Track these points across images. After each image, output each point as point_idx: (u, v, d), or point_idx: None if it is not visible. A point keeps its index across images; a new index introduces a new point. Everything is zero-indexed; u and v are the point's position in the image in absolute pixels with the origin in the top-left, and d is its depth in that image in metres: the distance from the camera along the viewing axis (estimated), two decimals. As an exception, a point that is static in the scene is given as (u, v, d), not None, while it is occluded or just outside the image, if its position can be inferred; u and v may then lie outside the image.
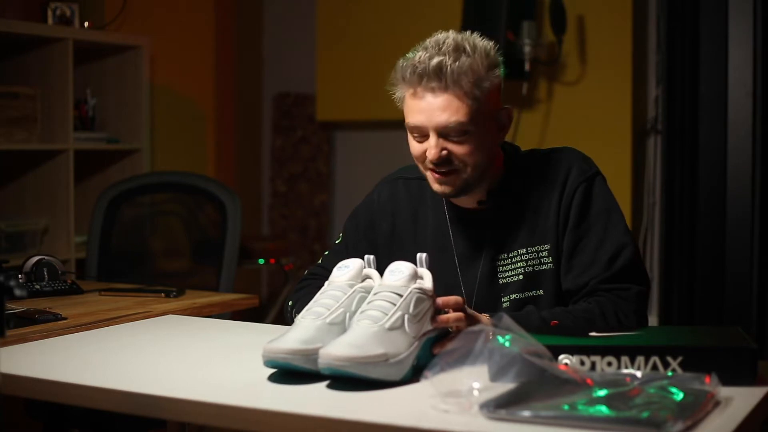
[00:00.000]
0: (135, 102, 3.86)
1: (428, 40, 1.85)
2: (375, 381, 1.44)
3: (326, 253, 2.12)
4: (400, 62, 1.86)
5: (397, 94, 1.88)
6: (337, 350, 1.44)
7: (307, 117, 4.74)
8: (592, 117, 3.90)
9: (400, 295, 1.54)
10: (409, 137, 1.89)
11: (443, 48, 1.81)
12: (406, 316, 1.52)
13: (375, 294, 1.57)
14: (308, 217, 4.76)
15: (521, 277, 1.91)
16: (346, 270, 1.65)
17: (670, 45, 3.67)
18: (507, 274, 1.92)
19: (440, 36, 1.85)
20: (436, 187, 1.89)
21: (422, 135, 1.85)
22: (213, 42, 4.56)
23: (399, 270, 1.59)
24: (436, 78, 1.79)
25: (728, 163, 3.54)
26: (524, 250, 1.91)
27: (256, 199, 4.85)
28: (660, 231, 3.79)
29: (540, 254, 1.90)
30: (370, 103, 4.31)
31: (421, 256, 1.63)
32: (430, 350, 1.56)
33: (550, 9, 3.83)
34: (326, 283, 1.65)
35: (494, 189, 1.95)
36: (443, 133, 1.82)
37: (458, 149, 1.83)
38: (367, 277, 1.66)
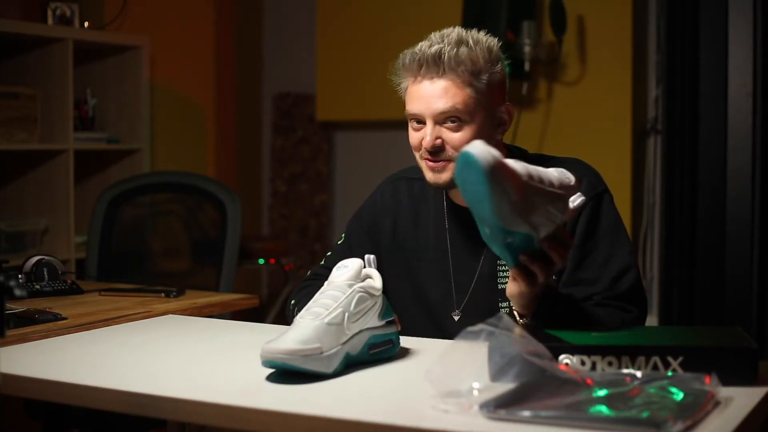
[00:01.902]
0: (135, 102, 3.86)
1: (433, 33, 1.89)
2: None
3: (329, 253, 2.12)
4: (403, 53, 1.89)
5: (401, 85, 1.91)
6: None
7: (307, 117, 4.74)
8: (592, 117, 3.90)
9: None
10: (409, 127, 1.92)
11: (445, 39, 1.85)
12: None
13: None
14: (308, 217, 4.76)
15: None
16: (345, 270, 1.65)
17: (670, 45, 3.67)
18: (507, 280, 1.92)
19: (446, 30, 1.89)
20: (429, 176, 1.90)
21: (420, 123, 1.88)
22: (213, 42, 4.56)
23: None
24: (434, 65, 1.83)
25: (728, 163, 3.54)
26: None
27: (256, 199, 4.85)
28: (660, 231, 3.79)
29: None
30: (370, 103, 4.31)
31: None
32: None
33: (550, 9, 3.83)
34: (326, 283, 1.66)
35: None
36: (439, 120, 1.85)
37: (453, 138, 1.85)
38: (368, 276, 1.66)
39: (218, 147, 4.63)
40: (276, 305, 4.06)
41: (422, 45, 1.86)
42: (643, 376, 1.38)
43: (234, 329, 1.99)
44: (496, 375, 1.42)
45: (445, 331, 1.92)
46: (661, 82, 3.77)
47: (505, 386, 1.37)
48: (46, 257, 2.50)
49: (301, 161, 4.77)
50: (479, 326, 1.42)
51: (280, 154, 4.83)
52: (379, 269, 1.68)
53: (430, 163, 1.88)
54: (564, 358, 1.47)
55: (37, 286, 2.40)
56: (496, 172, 1.46)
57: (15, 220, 3.55)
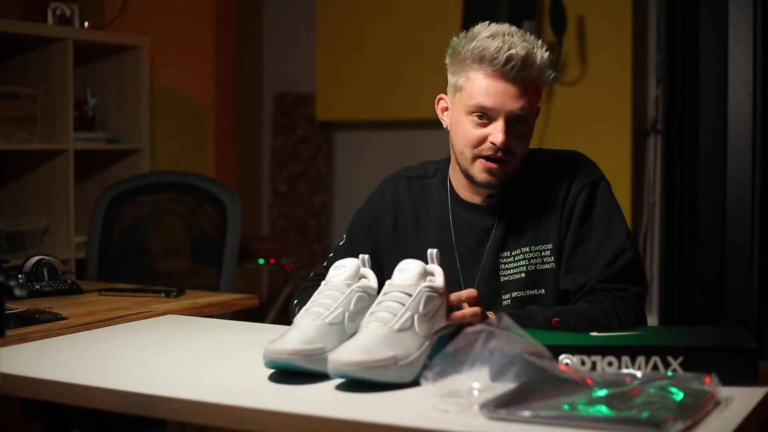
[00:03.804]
0: (135, 102, 3.86)
1: (491, 28, 1.87)
2: (386, 384, 1.43)
3: (331, 254, 2.12)
4: (468, 45, 1.86)
5: (455, 77, 1.88)
6: (345, 355, 1.42)
7: (307, 117, 4.74)
8: (592, 117, 3.90)
9: (410, 295, 1.51)
10: (464, 121, 1.87)
11: (523, 38, 1.84)
12: (416, 316, 1.49)
13: (384, 294, 1.54)
14: (308, 217, 4.76)
15: (523, 275, 1.91)
16: (343, 269, 1.64)
17: (670, 45, 3.67)
18: (509, 271, 1.93)
19: (502, 26, 1.87)
20: (483, 176, 1.88)
21: (486, 118, 1.85)
22: (213, 42, 4.56)
23: (408, 269, 1.55)
24: (522, 64, 1.81)
25: (728, 163, 3.54)
26: (527, 249, 1.92)
27: (256, 199, 4.85)
28: (660, 231, 3.79)
29: (543, 253, 1.91)
30: (370, 103, 4.31)
31: (432, 252, 1.60)
32: (444, 348, 1.51)
33: (550, 9, 3.83)
34: (323, 282, 1.65)
35: (505, 185, 1.96)
36: (511, 119, 1.84)
37: (517, 138, 1.86)
38: (362, 276, 1.66)
39: (218, 147, 4.63)
40: (276, 305, 4.05)
41: (504, 40, 1.82)
42: (643, 376, 1.38)
43: (234, 329, 1.99)
44: (496, 375, 1.42)
45: None
46: (661, 82, 3.77)
47: (505, 386, 1.37)
48: (46, 257, 2.50)
49: (301, 161, 4.77)
50: (479, 326, 1.42)
51: (280, 154, 4.83)
52: (381, 268, 1.68)
53: (488, 164, 1.86)
54: (564, 358, 1.47)
55: (37, 286, 2.40)
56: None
57: (15, 220, 3.55)
